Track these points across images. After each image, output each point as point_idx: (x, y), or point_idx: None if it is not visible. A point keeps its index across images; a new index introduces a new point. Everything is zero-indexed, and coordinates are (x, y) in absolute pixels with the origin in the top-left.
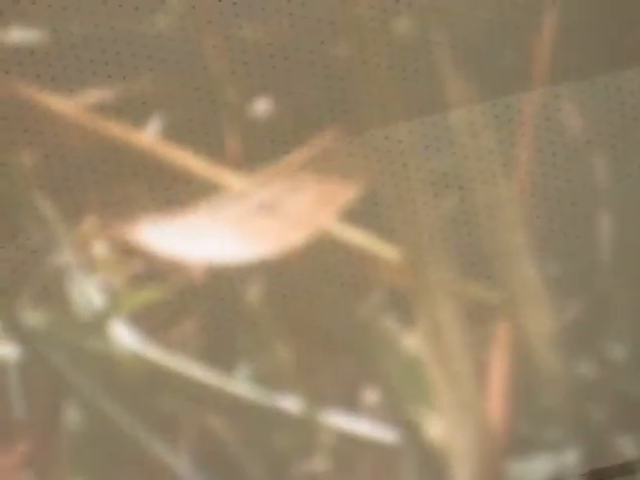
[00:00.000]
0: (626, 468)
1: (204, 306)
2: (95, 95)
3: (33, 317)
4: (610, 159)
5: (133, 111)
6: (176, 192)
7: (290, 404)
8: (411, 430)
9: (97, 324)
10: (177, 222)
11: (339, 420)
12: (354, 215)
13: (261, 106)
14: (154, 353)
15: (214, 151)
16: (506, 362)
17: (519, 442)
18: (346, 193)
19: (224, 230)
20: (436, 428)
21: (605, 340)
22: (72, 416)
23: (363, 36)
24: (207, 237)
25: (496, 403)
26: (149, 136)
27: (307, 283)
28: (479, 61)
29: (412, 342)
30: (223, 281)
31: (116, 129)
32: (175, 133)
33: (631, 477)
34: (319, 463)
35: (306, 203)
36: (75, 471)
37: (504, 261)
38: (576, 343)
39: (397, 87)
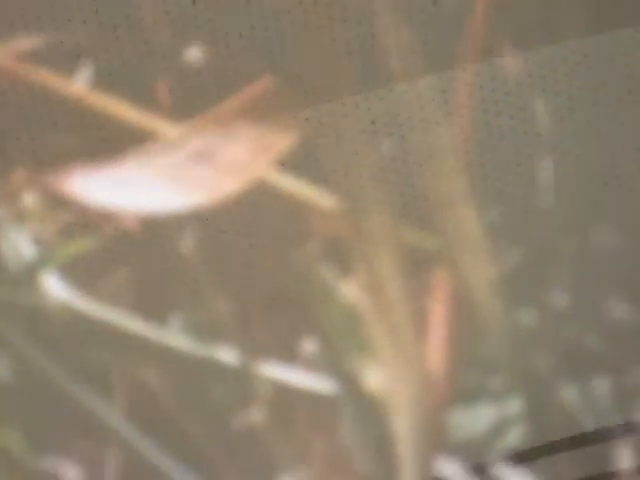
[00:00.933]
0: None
1: (137, 256)
2: (25, 43)
3: None
4: (552, 106)
5: (64, 59)
6: (108, 141)
7: (226, 355)
8: (350, 381)
9: (28, 276)
10: (109, 172)
11: (276, 371)
12: (290, 163)
13: (194, 54)
14: (86, 305)
15: (147, 100)
16: (446, 311)
17: (461, 392)
18: (282, 141)
19: (157, 179)
20: (375, 379)
21: (547, 287)
22: (3, 369)
23: None
24: (140, 186)
25: (436, 353)
26: (80, 84)
27: (243, 232)
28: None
29: (350, 291)
30: (157, 231)
31: (47, 77)
32: (107, 81)
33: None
34: (256, 415)
35: (240, 151)
36: (7, 424)
37: (443, 209)
38: (517, 291)
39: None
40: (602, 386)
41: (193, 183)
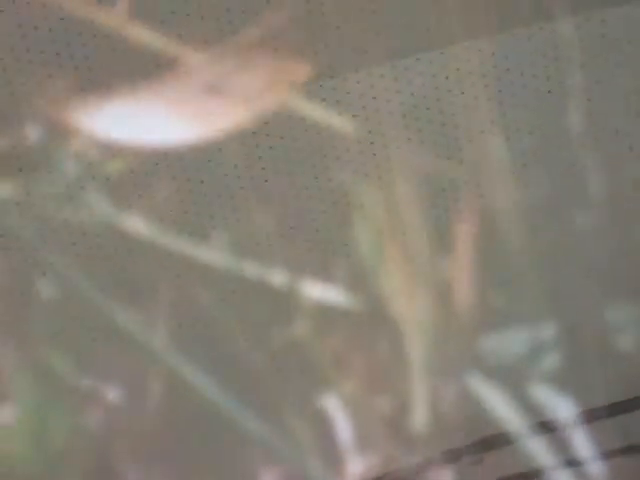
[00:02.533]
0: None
1: (180, 174)
2: None
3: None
4: (587, 50)
5: None
6: (127, 71)
7: (267, 272)
8: (378, 304)
9: (71, 194)
10: (123, 103)
11: (314, 289)
12: (311, 90)
13: None
14: (129, 221)
15: (171, 27)
16: (472, 236)
17: (490, 316)
18: (301, 69)
19: (171, 110)
20: (403, 303)
21: (577, 211)
22: (46, 288)
23: None
24: (153, 118)
25: (464, 278)
26: (115, 12)
27: (277, 156)
28: None
29: (377, 216)
30: (199, 149)
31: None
32: (139, 9)
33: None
34: (298, 329)
35: (258, 80)
36: (50, 342)
37: (468, 136)
38: (547, 215)
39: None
40: (634, 309)
41: (208, 113)
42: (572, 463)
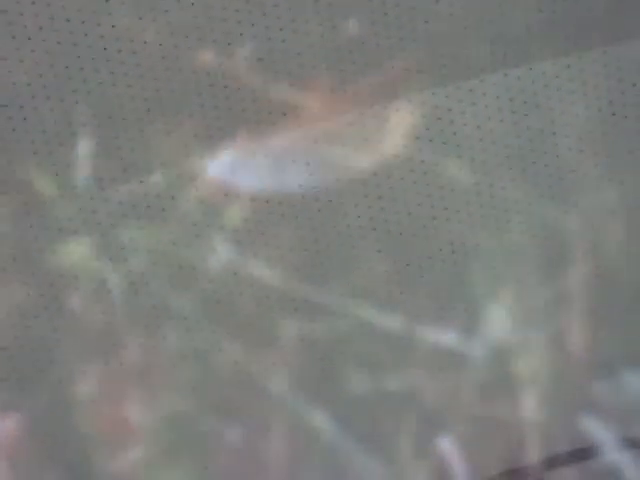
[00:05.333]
0: None
1: (300, 218)
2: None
3: (129, 234)
4: None
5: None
6: (257, 118)
7: (385, 316)
8: (492, 349)
9: (195, 239)
10: (242, 151)
11: (431, 333)
12: (427, 135)
13: (350, 29)
14: (250, 267)
15: (299, 78)
16: (585, 281)
17: (605, 360)
18: (418, 117)
19: (291, 158)
20: (516, 348)
21: None
22: (171, 335)
23: None
24: (273, 165)
25: (577, 323)
26: (239, 64)
27: (396, 198)
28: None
29: (493, 261)
30: (319, 194)
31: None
32: (263, 59)
33: None
34: (413, 372)
35: (376, 129)
36: (177, 390)
37: (580, 185)
38: None
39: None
40: None
41: (328, 161)
42: None
